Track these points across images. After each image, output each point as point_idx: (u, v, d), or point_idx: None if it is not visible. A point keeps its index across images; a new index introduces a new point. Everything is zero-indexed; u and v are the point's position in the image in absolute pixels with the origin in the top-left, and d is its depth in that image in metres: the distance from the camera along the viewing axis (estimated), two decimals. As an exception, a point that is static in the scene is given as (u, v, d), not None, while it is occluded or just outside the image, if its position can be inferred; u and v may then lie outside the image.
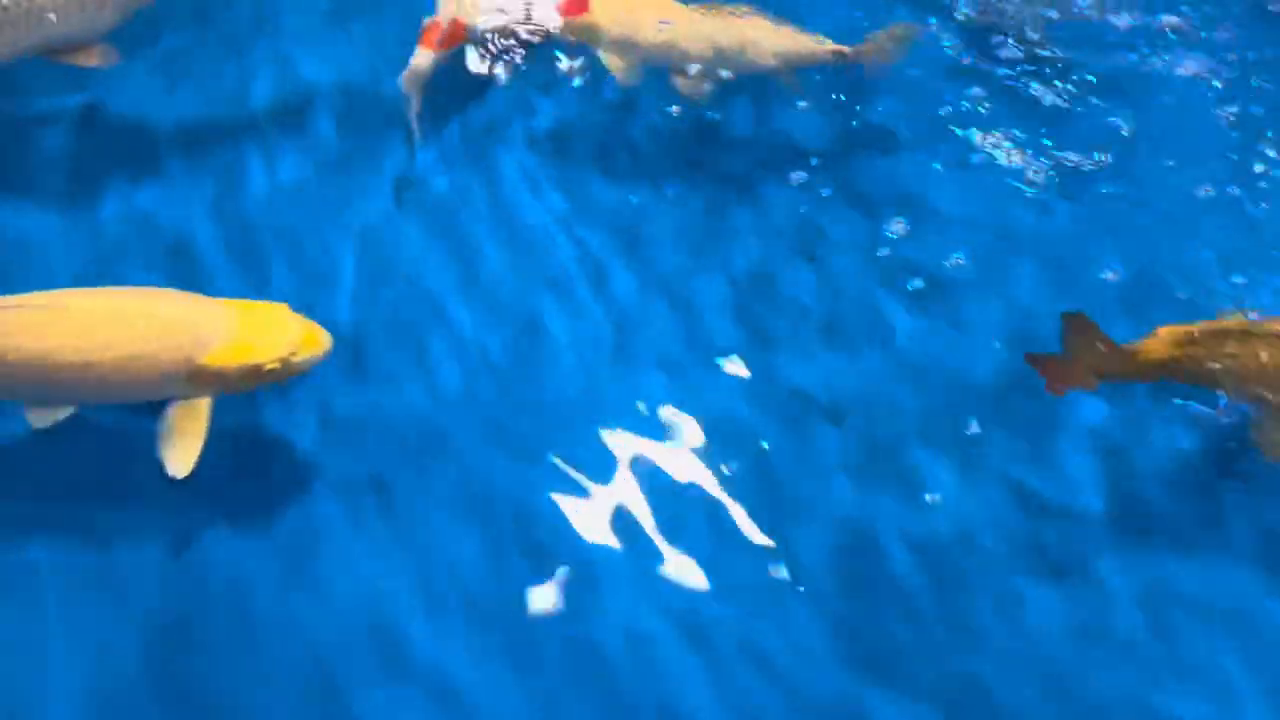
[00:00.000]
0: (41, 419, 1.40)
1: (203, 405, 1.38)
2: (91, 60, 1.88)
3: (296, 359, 1.39)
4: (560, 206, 1.95)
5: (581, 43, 1.81)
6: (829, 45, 1.85)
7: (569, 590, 1.58)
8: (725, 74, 1.84)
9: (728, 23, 1.81)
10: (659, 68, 1.83)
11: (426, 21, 1.99)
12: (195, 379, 1.35)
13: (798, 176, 1.97)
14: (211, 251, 1.89)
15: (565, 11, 1.75)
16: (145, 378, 1.35)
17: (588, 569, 1.62)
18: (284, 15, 2.33)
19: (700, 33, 1.78)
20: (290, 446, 1.62)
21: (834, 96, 2.04)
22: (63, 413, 1.40)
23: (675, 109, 1.94)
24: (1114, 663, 1.60)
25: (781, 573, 1.58)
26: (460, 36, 1.96)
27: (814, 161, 2.01)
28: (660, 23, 1.77)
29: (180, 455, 1.34)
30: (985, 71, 2.23)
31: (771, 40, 1.80)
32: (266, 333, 1.39)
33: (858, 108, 2.08)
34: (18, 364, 1.33)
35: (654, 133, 1.99)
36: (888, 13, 2.22)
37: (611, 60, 1.75)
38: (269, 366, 1.36)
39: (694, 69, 1.79)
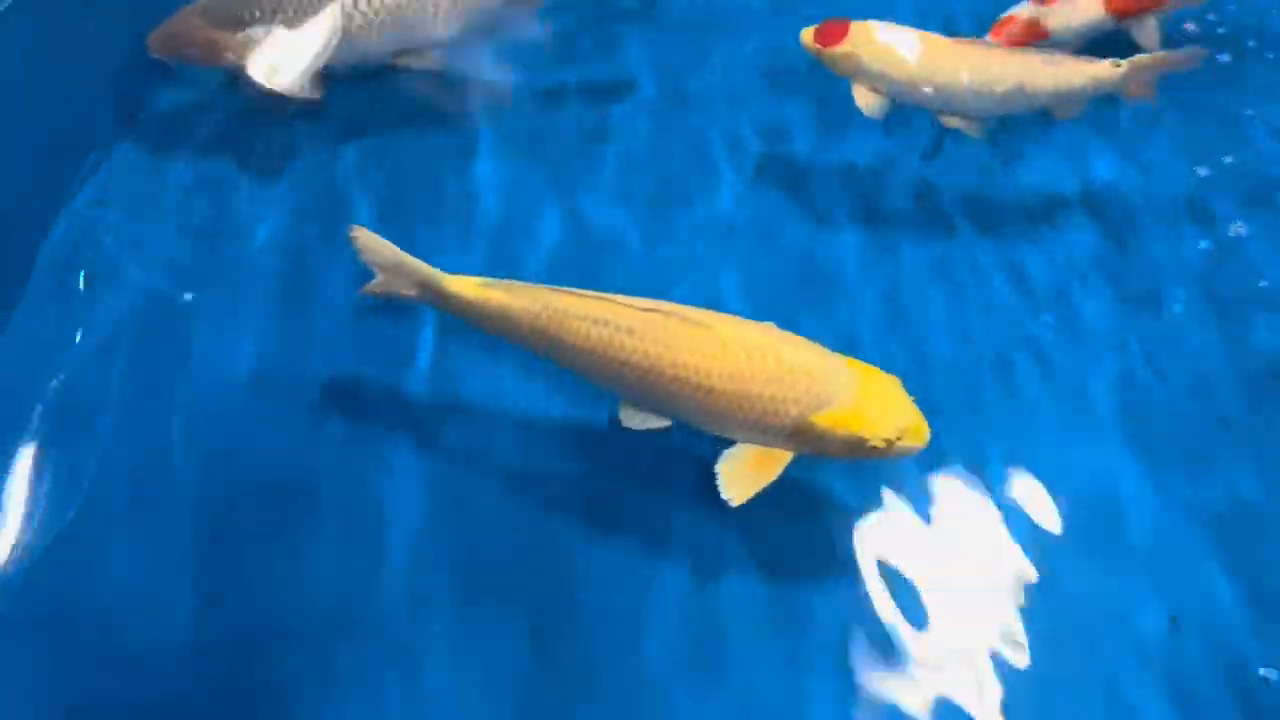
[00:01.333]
0: (633, 420, 1.40)
1: (784, 456, 1.33)
2: (425, 64, 1.89)
3: (898, 445, 1.30)
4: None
5: (838, 74, 1.73)
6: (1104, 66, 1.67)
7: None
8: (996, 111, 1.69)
9: (994, 55, 1.68)
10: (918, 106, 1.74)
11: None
12: (797, 433, 1.31)
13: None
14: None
15: (819, 41, 1.68)
16: (751, 418, 1.31)
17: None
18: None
19: (963, 67, 1.67)
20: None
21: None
22: (657, 424, 1.40)
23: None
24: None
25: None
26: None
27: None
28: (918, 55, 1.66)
29: (741, 488, 1.31)
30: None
31: (1045, 72, 1.67)
32: (882, 407, 1.30)
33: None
34: (643, 368, 1.33)
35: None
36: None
37: (861, 96, 1.70)
38: (873, 443, 1.28)
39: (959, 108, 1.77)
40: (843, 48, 1.66)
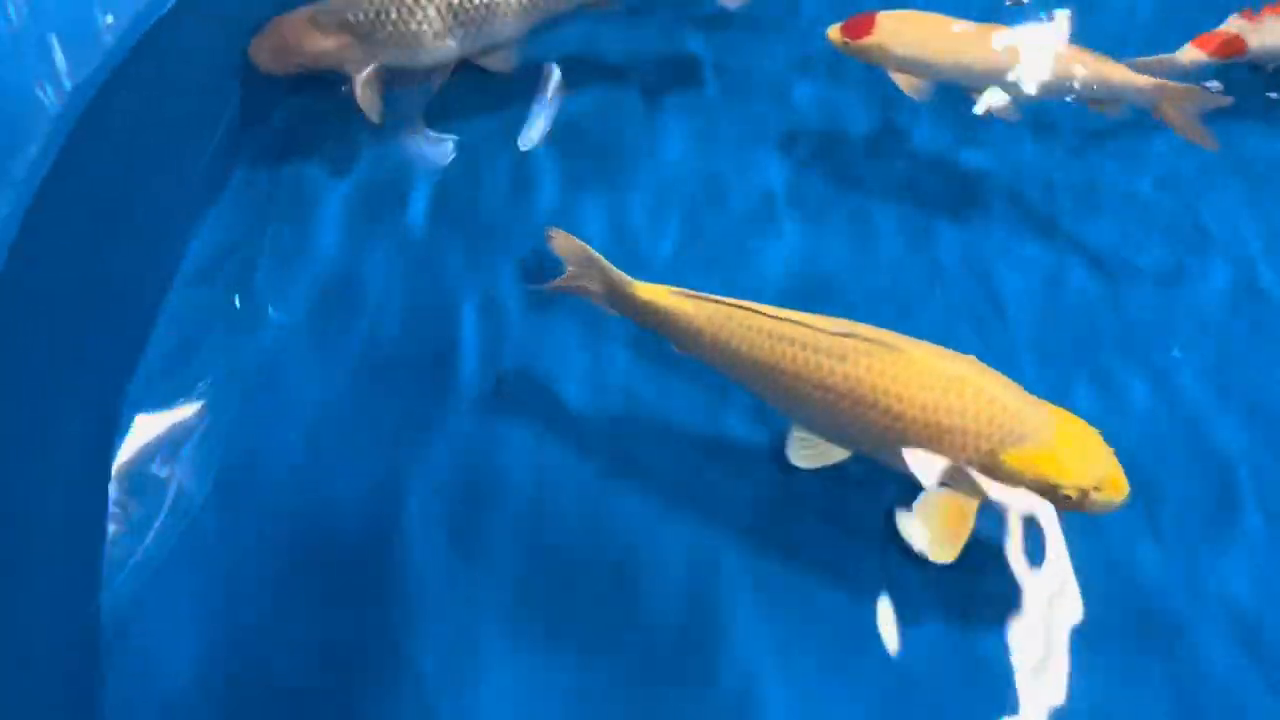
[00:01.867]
0: (804, 457, 1.34)
1: (972, 504, 1.27)
2: (498, 64, 1.89)
3: (1094, 497, 1.23)
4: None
5: (872, 65, 1.78)
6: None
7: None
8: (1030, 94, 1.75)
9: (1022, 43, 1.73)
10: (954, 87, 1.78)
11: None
12: (986, 472, 1.25)
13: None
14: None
15: (847, 34, 1.75)
16: (940, 451, 1.26)
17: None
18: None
19: (985, 51, 1.73)
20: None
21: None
22: (830, 461, 1.34)
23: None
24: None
25: None
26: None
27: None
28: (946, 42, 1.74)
29: (944, 545, 1.25)
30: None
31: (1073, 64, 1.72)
32: (1080, 454, 1.23)
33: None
34: (829, 391, 1.28)
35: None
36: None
37: (901, 80, 1.77)
38: (1065, 491, 1.22)
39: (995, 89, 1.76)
40: (872, 40, 1.74)
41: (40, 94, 1.61)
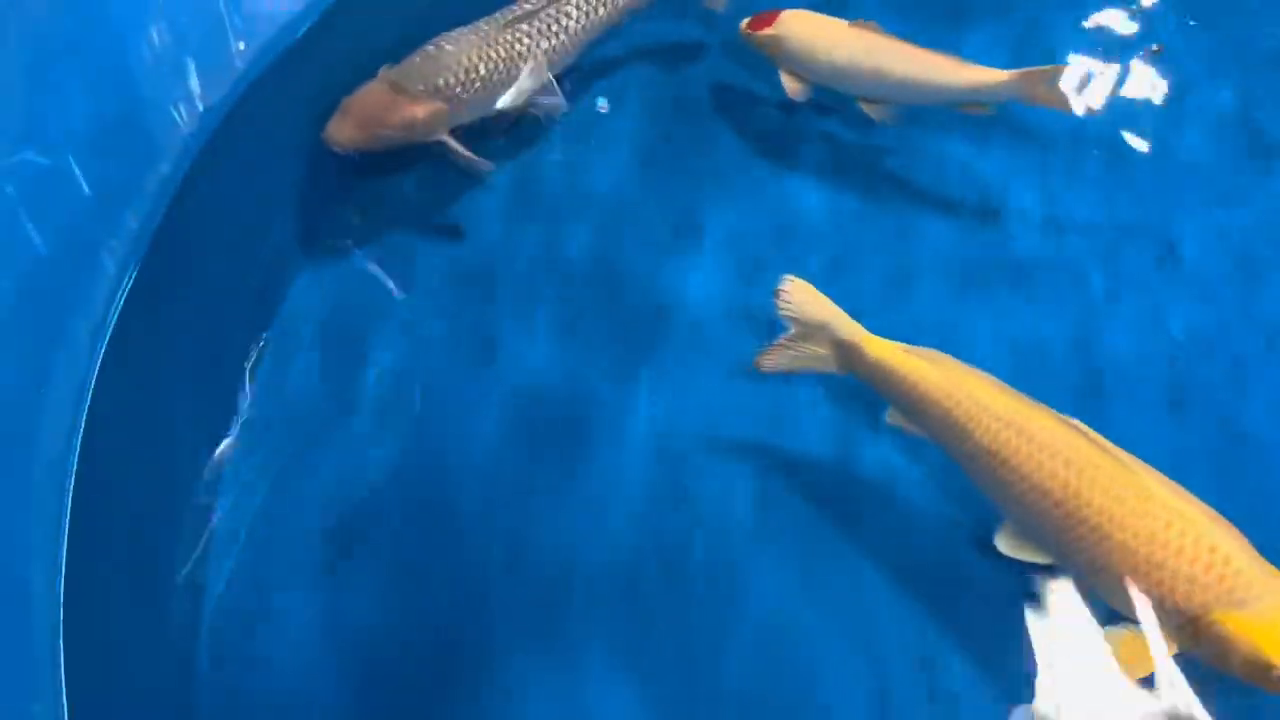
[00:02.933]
0: (1011, 546, 1.25)
1: (1160, 652, 1.15)
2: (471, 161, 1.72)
3: None
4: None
5: (767, 56, 1.82)
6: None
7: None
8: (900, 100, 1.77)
9: (898, 50, 1.72)
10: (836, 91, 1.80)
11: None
12: (1191, 625, 1.12)
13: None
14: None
15: (751, 26, 1.80)
16: (1148, 588, 1.14)
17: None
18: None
19: (874, 60, 1.73)
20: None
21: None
22: (1035, 558, 1.24)
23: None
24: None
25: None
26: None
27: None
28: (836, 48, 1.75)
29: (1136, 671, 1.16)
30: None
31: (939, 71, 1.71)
32: None
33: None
34: (1047, 494, 1.18)
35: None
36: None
37: (787, 80, 1.80)
38: (1277, 672, 1.08)
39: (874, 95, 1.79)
40: (769, 33, 1.77)
41: (175, 114, 1.68)
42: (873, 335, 1.32)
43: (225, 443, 1.47)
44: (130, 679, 1.29)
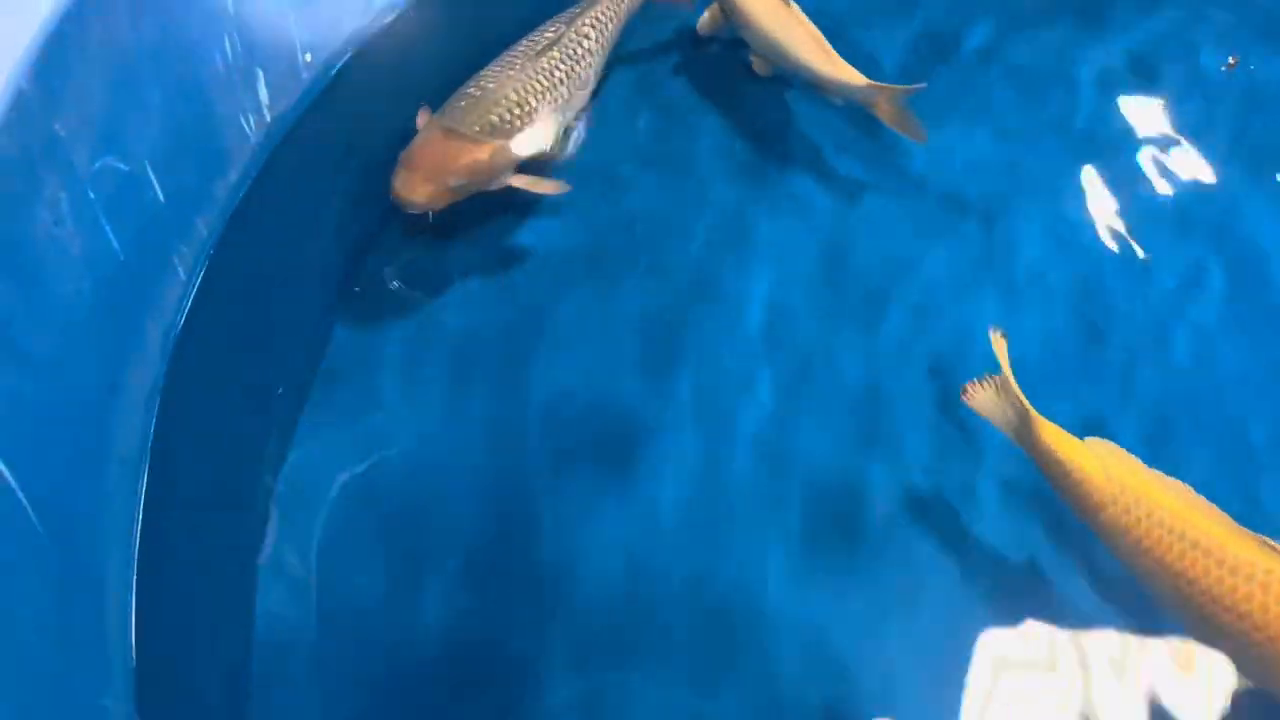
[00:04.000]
0: None
1: None
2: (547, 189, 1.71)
3: None
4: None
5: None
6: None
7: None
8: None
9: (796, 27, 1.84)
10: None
11: None
12: None
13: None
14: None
15: None
16: None
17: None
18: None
19: (779, 34, 1.85)
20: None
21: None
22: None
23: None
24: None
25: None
26: None
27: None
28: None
29: None
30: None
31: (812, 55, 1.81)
32: None
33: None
34: (1244, 619, 1.11)
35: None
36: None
37: (754, 60, 1.98)
38: None
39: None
40: None
41: (244, 123, 1.72)
42: (1044, 419, 1.30)
43: (290, 444, 1.49)
44: (198, 675, 1.30)
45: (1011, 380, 1.34)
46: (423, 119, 1.74)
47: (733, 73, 2.02)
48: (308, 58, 1.85)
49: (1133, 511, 1.19)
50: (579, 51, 1.81)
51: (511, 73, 1.72)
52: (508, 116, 1.67)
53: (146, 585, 1.31)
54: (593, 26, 1.86)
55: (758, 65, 1.97)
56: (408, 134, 1.71)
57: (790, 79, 1.96)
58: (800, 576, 1.39)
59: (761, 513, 1.45)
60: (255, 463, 1.47)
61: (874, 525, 1.44)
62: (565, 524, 1.43)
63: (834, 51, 1.81)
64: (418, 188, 1.58)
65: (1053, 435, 1.28)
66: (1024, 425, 1.31)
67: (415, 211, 1.60)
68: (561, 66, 1.77)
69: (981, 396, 1.36)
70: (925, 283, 1.72)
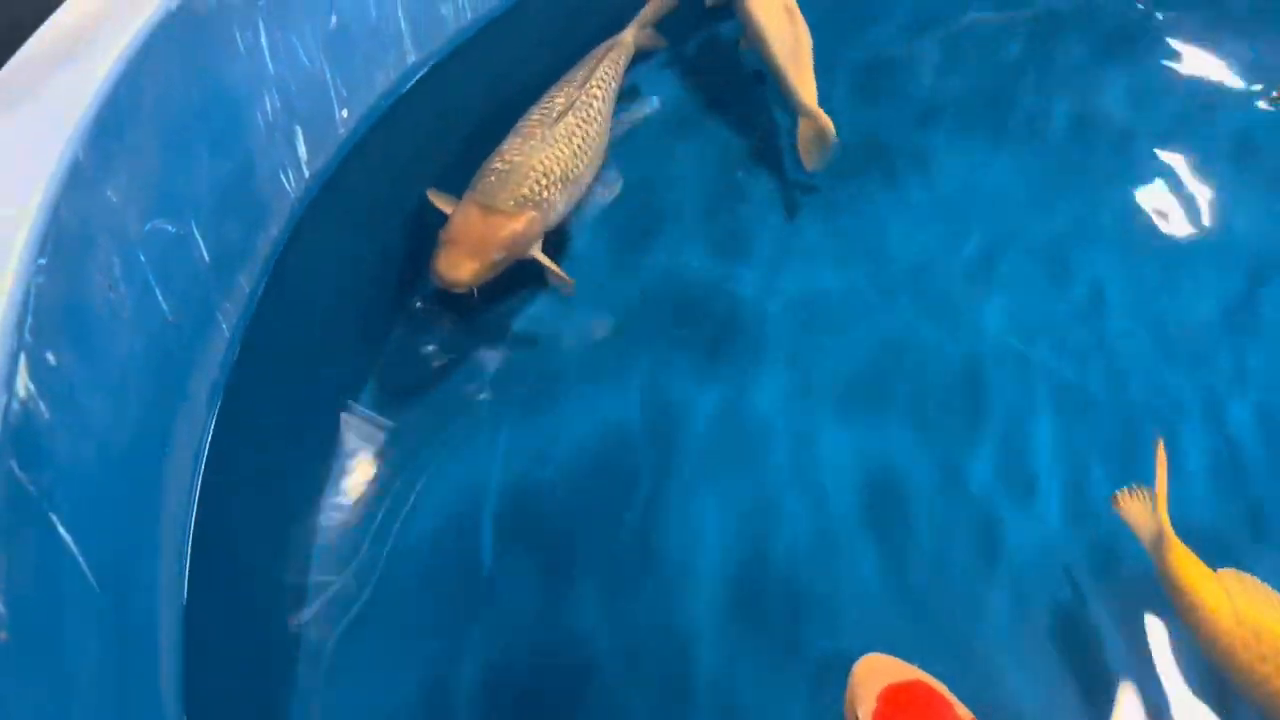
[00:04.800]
0: None
1: None
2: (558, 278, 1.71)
3: None
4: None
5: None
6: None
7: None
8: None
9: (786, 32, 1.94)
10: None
11: None
12: None
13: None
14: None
15: None
16: None
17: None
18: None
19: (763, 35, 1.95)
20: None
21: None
22: None
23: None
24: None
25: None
26: None
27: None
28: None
29: None
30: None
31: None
32: None
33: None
34: None
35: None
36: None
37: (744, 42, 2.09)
38: None
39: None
40: None
41: (284, 179, 1.75)
42: (1180, 544, 1.27)
43: (335, 498, 1.50)
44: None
45: (1161, 498, 1.29)
46: (437, 199, 1.73)
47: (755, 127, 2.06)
48: (344, 113, 1.89)
49: (1270, 661, 1.12)
50: (590, 114, 1.83)
51: (533, 143, 1.73)
52: (537, 187, 1.67)
53: (195, 637, 1.32)
54: (599, 87, 1.88)
55: (744, 44, 2.07)
56: (441, 188, 1.74)
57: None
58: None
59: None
60: (301, 515, 1.48)
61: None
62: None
63: (809, 66, 1.89)
64: (463, 266, 1.58)
65: (1182, 562, 1.23)
66: (1157, 547, 1.27)
67: (460, 290, 1.60)
68: (578, 131, 1.78)
69: (1130, 507, 1.33)
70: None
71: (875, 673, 1.07)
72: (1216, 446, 1.55)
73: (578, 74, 1.90)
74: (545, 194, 1.69)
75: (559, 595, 1.42)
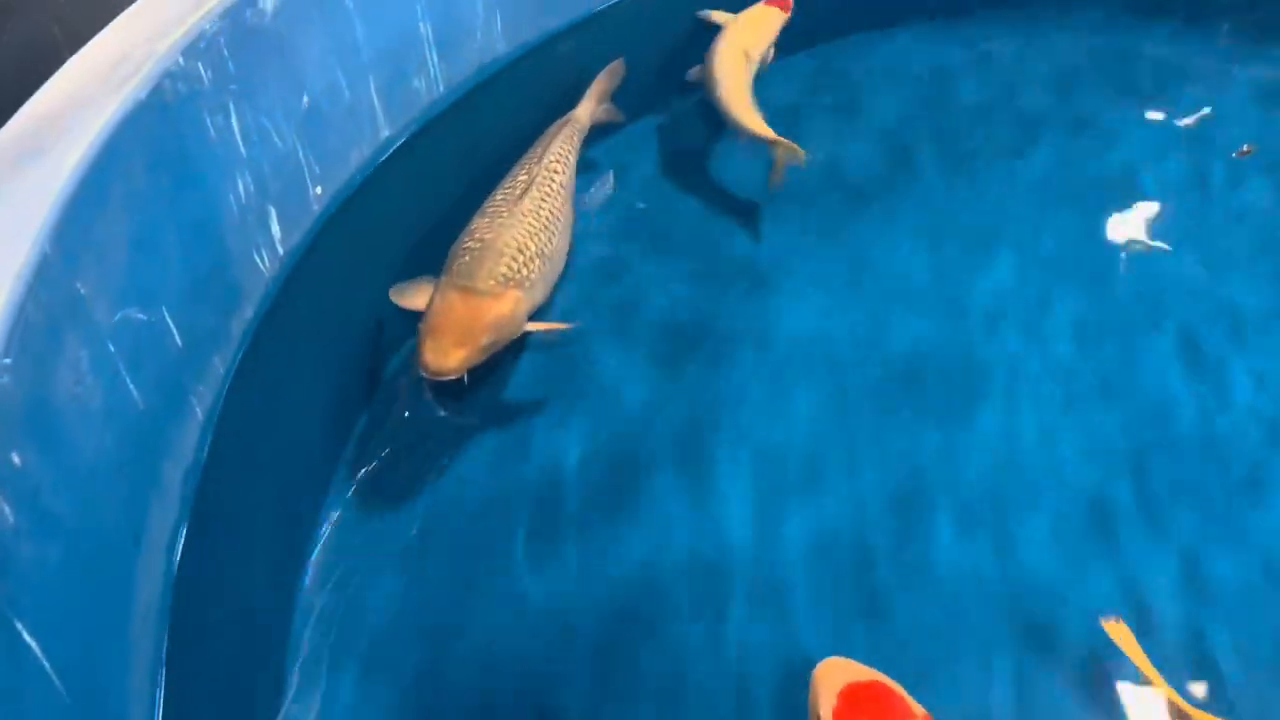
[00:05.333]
0: None
1: None
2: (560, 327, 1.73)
3: None
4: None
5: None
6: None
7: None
8: None
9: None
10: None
11: None
12: None
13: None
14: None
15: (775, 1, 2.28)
16: None
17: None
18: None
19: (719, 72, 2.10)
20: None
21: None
22: None
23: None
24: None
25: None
26: None
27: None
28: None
29: None
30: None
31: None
32: None
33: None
34: None
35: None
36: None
37: None
38: None
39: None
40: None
41: (258, 259, 1.74)
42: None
43: (309, 580, 1.48)
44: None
45: (1153, 674, 1.27)
46: (402, 297, 1.68)
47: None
48: (318, 190, 1.89)
49: None
50: (553, 188, 1.81)
51: (502, 219, 1.71)
52: (515, 264, 1.64)
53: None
54: (558, 161, 1.87)
55: (694, 75, 2.21)
56: (415, 263, 1.74)
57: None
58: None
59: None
60: (279, 606, 1.45)
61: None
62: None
63: (752, 105, 2.02)
64: (450, 355, 1.52)
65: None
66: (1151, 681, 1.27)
67: (449, 378, 1.54)
68: (544, 205, 1.76)
69: (1118, 633, 1.30)
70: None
71: (835, 673, 1.12)
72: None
73: (535, 151, 1.90)
74: (524, 270, 1.66)
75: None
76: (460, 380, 1.57)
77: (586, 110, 2.06)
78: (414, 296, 1.67)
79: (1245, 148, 2.08)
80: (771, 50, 2.29)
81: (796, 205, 2.02)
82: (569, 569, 1.48)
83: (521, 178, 1.81)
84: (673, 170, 2.14)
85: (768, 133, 1.94)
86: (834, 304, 1.84)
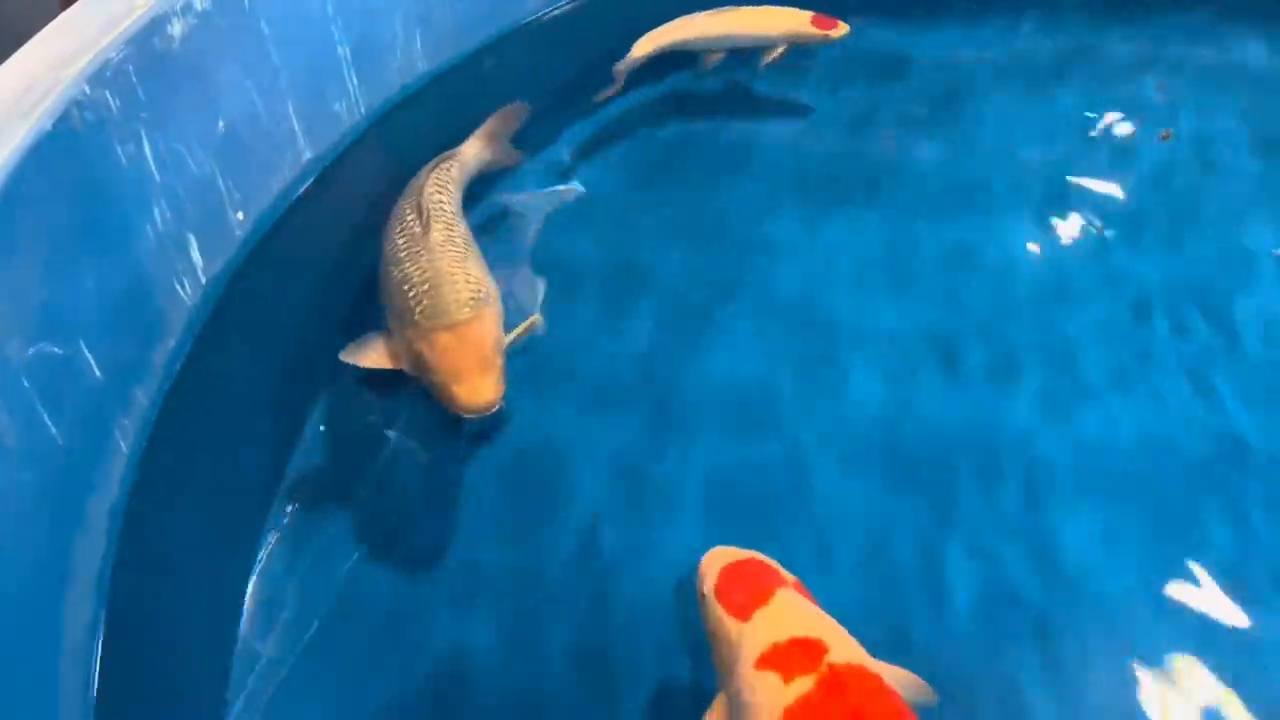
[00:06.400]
0: None
1: None
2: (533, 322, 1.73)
3: None
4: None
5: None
6: None
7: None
8: None
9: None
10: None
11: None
12: None
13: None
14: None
15: (816, 24, 2.25)
16: None
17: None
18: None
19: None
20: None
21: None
22: None
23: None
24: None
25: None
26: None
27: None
28: None
29: None
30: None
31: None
32: None
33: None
34: None
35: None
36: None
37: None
38: None
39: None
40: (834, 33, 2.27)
41: (179, 288, 1.72)
42: None
43: (243, 621, 1.45)
44: None
45: None
46: (354, 356, 1.61)
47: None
48: (240, 216, 1.87)
49: None
50: (448, 216, 1.73)
51: (425, 256, 1.62)
52: (470, 286, 1.58)
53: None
54: (439, 190, 1.79)
55: (709, 61, 2.31)
56: (343, 286, 1.73)
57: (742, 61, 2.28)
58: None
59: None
60: (212, 642, 1.42)
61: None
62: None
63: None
64: (483, 388, 1.46)
65: None
66: None
67: (495, 408, 1.48)
68: (451, 231, 1.69)
69: None
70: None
71: (718, 558, 1.24)
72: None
73: (413, 185, 1.81)
74: (481, 289, 1.59)
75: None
76: (500, 405, 1.50)
77: (472, 148, 1.95)
78: (370, 355, 1.61)
79: (1164, 132, 2.15)
80: (781, 51, 2.28)
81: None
82: (519, 584, 1.48)
83: (409, 216, 1.71)
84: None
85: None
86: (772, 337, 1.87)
